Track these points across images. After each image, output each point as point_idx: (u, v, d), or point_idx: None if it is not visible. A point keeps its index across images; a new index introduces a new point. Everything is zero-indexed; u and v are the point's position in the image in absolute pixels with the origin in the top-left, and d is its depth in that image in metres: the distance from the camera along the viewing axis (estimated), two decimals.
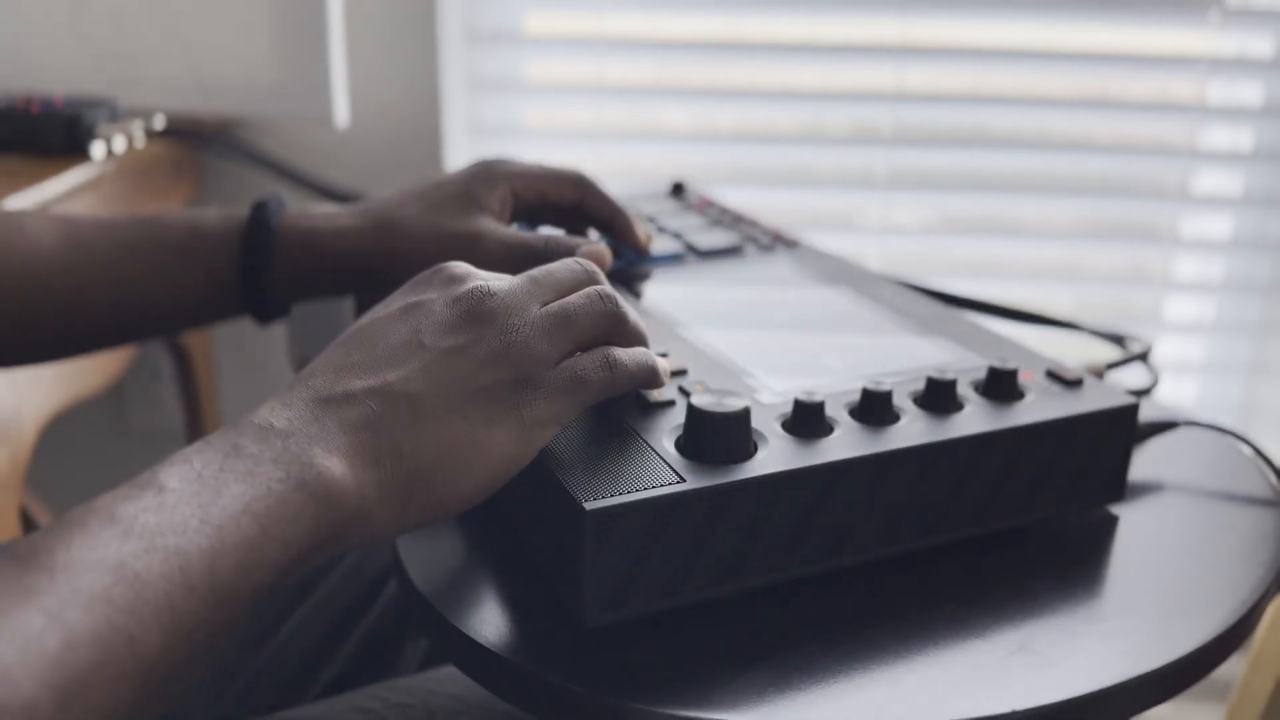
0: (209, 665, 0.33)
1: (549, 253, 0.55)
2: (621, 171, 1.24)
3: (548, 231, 0.65)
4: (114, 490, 0.33)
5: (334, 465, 0.35)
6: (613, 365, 0.42)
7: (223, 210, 0.59)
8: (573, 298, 0.42)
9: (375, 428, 0.37)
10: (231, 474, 0.34)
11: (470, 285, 0.41)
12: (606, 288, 0.43)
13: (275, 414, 0.37)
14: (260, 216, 0.57)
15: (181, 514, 0.32)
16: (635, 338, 0.44)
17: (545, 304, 0.42)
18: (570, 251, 0.54)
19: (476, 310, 0.40)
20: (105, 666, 0.29)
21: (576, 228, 0.63)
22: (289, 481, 0.34)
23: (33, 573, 0.29)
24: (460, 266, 0.43)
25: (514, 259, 0.56)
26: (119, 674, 0.29)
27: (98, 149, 0.92)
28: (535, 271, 0.43)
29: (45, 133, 0.91)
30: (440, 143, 1.14)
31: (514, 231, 0.57)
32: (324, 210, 0.59)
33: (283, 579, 0.34)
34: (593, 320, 0.42)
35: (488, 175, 0.59)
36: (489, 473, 0.39)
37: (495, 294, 0.41)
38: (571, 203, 0.60)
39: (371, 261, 0.57)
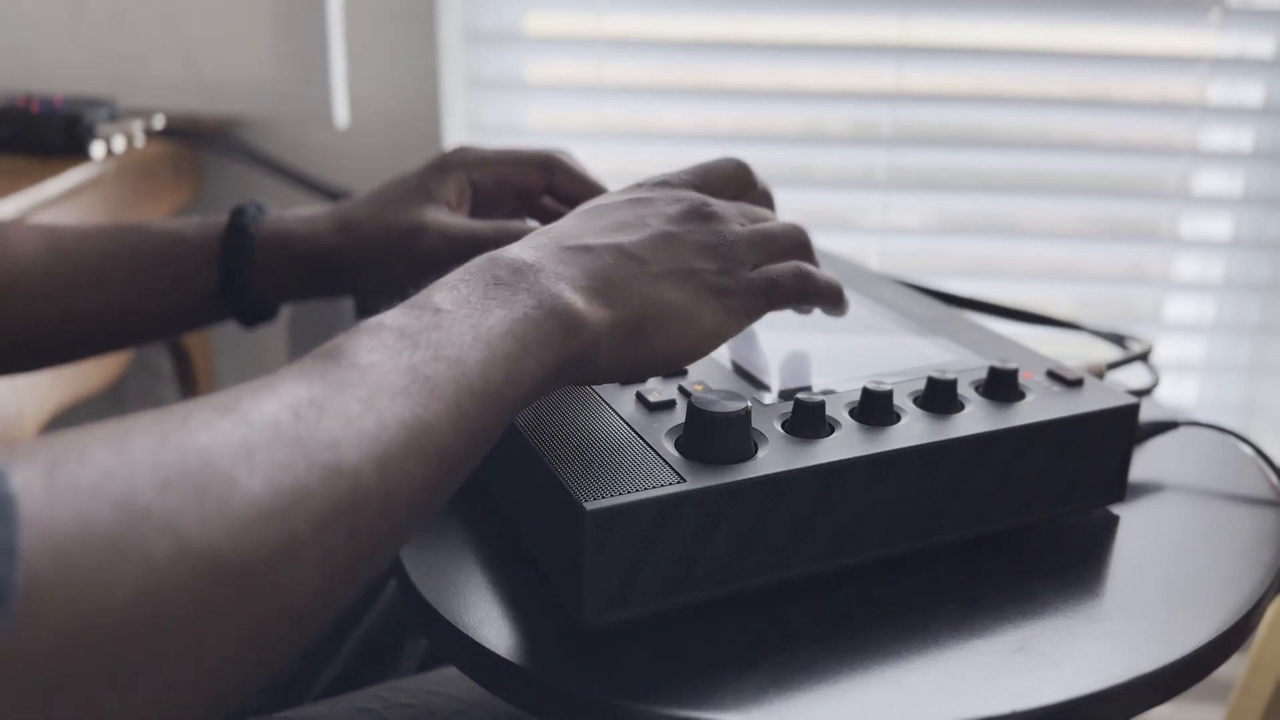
0: (480, 459, 0.37)
1: (498, 239, 0.55)
2: (621, 171, 1.24)
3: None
4: (394, 310, 0.38)
5: (577, 300, 0.40)
6: (804, 277, 0.46)
7: (203, 218, 0.60)
8: (773, 223, 0.48)
9: (610, 277, 0.42)
10: (494, 300, 0.39)
11: (692, 194, 0.47)
12: (799, 224, 0.49)
13: (525, 253, 0.42)
14: (239, 222, 0.58)
15: (458, 331, 0.37)
16: (820, 267, 0.49)
17: (746, 222, 0.47)
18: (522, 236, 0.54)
19: (696, 211, 0.46)
20: (410, 447, 0.33)
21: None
22: (541, 309, 0.39)
23: (344, 369, 0.34)
24: (681, 177, 0.49)
25: (458, 250, 0.56)
26: (421, 455, 0.33)
27: (98, 149, 0.92)
28: (741, 204, 0.49)
29: (45, 133, 0.91)
30: (440, 143, 1.14)
31: (462, 222, 0.57)
32: (300, 214, 0.60)
33: (535, 394, 0.39)
34: (788, 243, 0.47)
35: (441, 166, 0.60)
36: (694, 341, 0.43)
37: (712, 203, 0.47)
38: (538, 185, 0.61)
39: (339, 262, 0.58)
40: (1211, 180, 1.23)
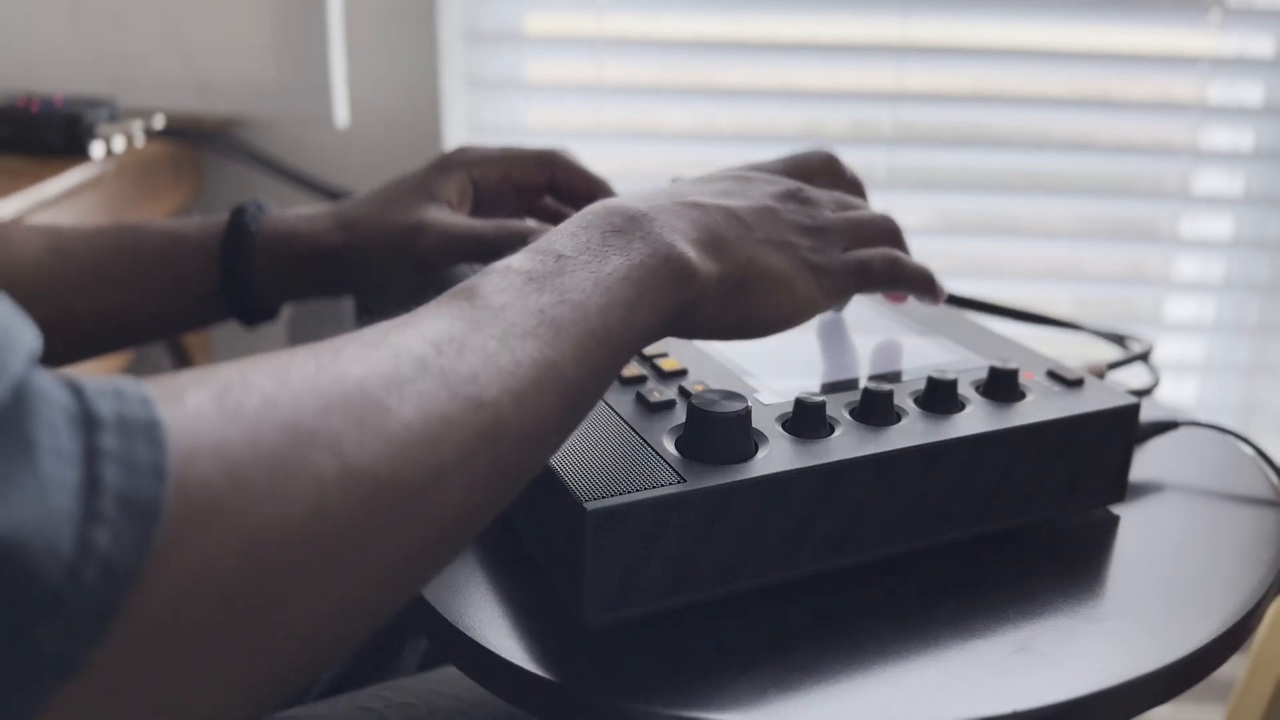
0: (599, 398, 0.39)
1: (499, 238, 0.57)
2: (622, 171, 1.24)
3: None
4: (519, 254, 0.40)
5: (690, 251, 0.41)
6: (894, 261, 0.48)
7: (203, 218, 0.60)
8: (865, 211, 0.50)
9: (720, 233, 0.43)
10: (611, 248, 0.40)
11: (787, 179, 0.49)
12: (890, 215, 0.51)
13: (640, 203, 0.43)
14: (239, 220, 0.58)
15: (579, 277, 0.38)
16: (910, 255, 0.50)
17: (839, 211, 0.49)
18: (522, 237, 0.56)
19: (794, 193, 0.48)
20: (541, 384, 0.35)
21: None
22: (656, 257, 0.40)
23: (478, 309, 0.36)
24: (771, 169, 0.52)
25: (459, 249, 0.57)
26: (551, 390, 0.35)
27: (97, 149, 0.92)
28: (834, 193, 0.51)
29: (45, 133, 0.91)
30: (440, 143, 1.14)
31: (463, 221, 0.58)
32: (301, 213, 0.60)
33: (649, 339, 0.40)
34: (879, 231, 0.49)
35: (445, 164, 0.60)
36: (790, 309, 0.45)
37: (806, 189, 0.49)
38: (539, 182, 0.61)
39: (339, 260, 0.58)
40: (1211, 180, 1.23)
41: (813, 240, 0.46)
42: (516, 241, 0.57)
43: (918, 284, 0.49)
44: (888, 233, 0.50)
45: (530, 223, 0.59)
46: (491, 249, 0.57)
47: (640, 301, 0.39)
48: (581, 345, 0.37)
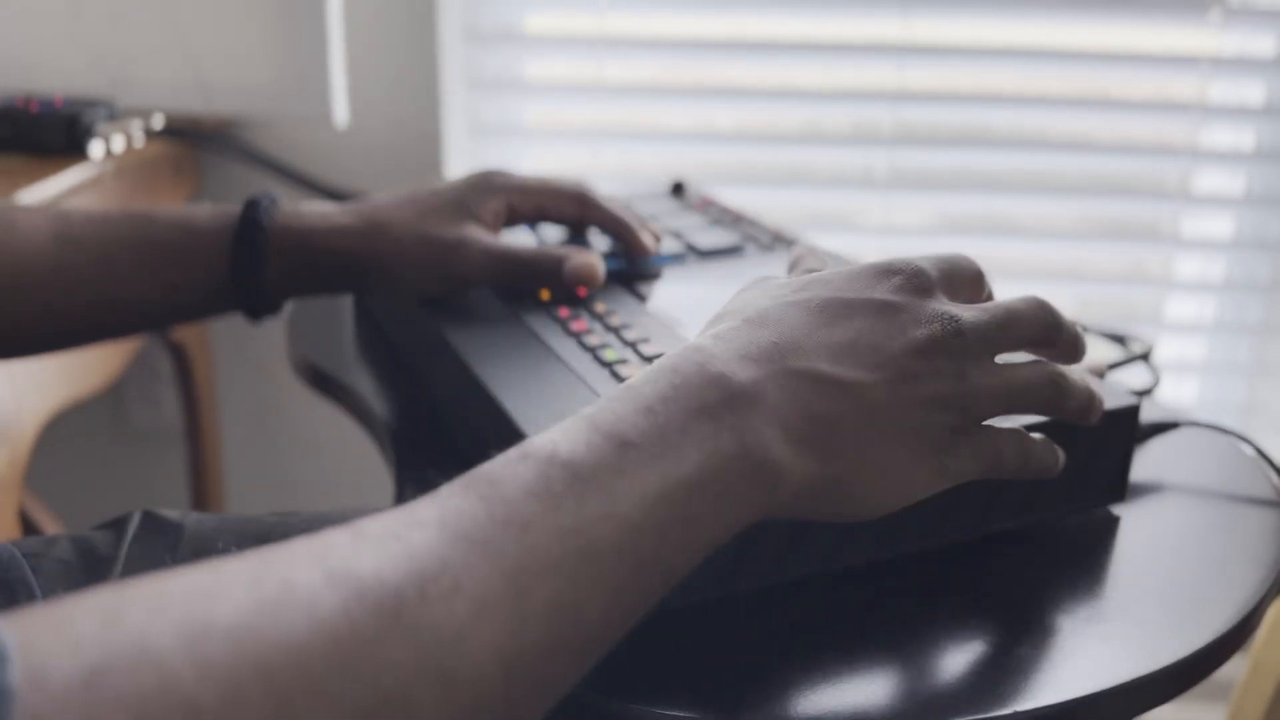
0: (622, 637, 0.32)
1: (536, 263, 0.56)
2: (621, 171, 1.24)
3: (550, 233, 0.66)
4: (571, 431, 0.32)
5: (786, 454, 0.34)
6: (1026, 455, 0.41)
7: (215, 207, 0.59)
8: (1030, 372, 0.40)
9: (833, 425, 0.36)
10: (693, 437, 0.32)
11: (944, 311, 0.39)
12: (1062, 370, 0.41)
13: (746, 371, 0.35)
14: (253, 214, 0.57)
15: (641, 481, 0.31)
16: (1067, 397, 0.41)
17: (1001, 351, 0.40)
18: (558, 263, 0.56)
19: (946, 344, 0.38)
20: (551, 639, 0.28)
21: (580, 231, 0.64)
22: (746, 461, 0.33)
23: (496, 522, 0.29)
24: (930, 275, 0.41)
25: (496, 268, 0.57)
26: (563, 646, 0.29)
27: (97, 149, 0.92)
28: (1003, 313, 0.40)
29: (45, 133, 0.91)
30: (440, 143, 1.14)
31: (499, 242, 0.57)
32: (317, 209, 0.59)
33: (701, 557, 0.33)
34: (1036, 401, 0.41)
35: (484, 185, 0.59)
36: (895, 501, 0.38)
37: (966, 333, 0.39)
38: (571, 218, 0.61)
39: (360, 262, 0.58)
40: (1212, 180, 1.23)
41: (952, 414, 0.38)
42: (554, 266, 0.56)
43: (1035, 475, 0.42)
44: (1046, 401, 0.41)
45: (565, 250, 0.57)
46: (530, 274, 0.56)
47: (712, 516, 0.32)
48: (617, 580, 0.30)
